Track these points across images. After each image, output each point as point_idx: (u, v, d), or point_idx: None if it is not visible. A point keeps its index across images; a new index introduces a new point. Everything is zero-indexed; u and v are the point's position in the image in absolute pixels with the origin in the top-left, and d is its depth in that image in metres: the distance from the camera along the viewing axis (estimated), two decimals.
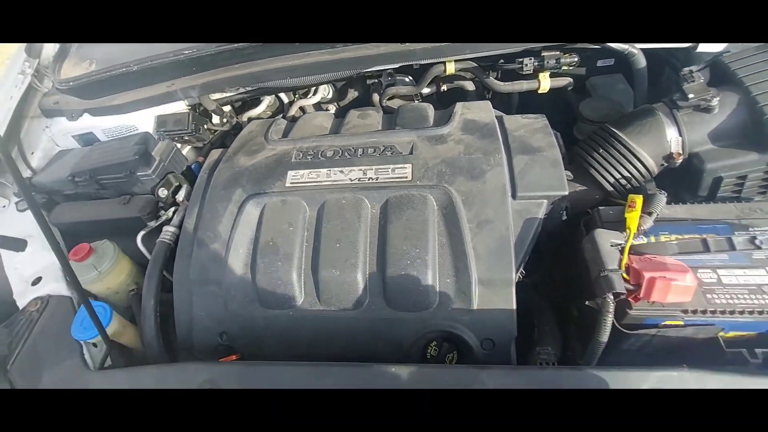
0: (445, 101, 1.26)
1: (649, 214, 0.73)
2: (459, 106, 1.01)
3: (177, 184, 1.06)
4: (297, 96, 1.40)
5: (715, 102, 0.77)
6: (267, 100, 1.34)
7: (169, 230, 0.96)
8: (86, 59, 1.15)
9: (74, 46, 1.17)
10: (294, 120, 1.14)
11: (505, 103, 1.22)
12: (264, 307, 0.82)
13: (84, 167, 1.03)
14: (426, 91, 1.27)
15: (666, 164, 0.83)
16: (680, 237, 0.72)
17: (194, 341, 0.86)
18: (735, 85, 0.81)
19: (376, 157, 0.91)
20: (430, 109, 1.05)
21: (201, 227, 0.90)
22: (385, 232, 0.80)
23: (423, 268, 0.75)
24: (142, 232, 0.98)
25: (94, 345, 0.87)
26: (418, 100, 1.29)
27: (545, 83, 0.99)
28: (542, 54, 0.99)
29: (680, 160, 0.80)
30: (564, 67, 0.99)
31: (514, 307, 0.73)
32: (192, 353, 0.85)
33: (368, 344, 0.78)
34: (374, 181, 0.87)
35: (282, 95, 1.38)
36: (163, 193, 1.01)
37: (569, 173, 0.88)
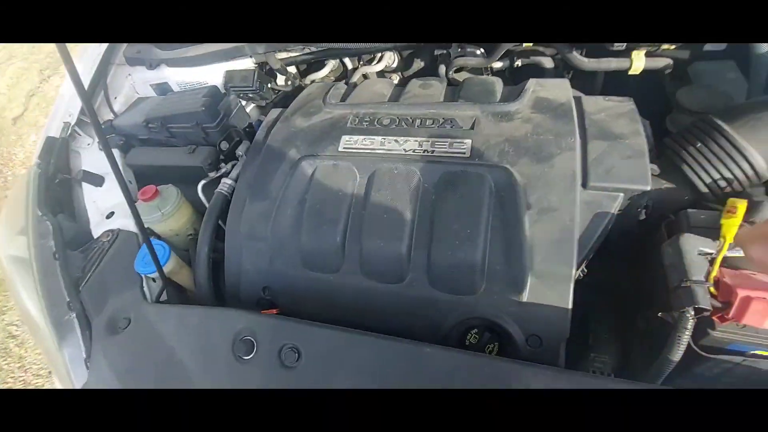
0: (518, 78, 1.16)
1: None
2: (532, 83, 0.92)
3: (238, 139, 1.09)
4: (361, 62, 1.36)
5: None
6: (331, 64, 1.32)
7: (226, 182, 1.00)
8: None
9: None
10: (355, 86, 1.11)
11: (588, 85, 1.10)
12: (306, 268, 0.82)
13: (157, 115, 1.09)
14: (498, 65, 1.18)
15: None
16: None
17: (240, 291, 0.89)
18: None
19: (434, 129, 0.86)
20: (498, 84, 0.97)
21: (254, 184, 0.92)
22: (436, 207, 0.76)
23: (472, 251, 0.71)
24: (202, 182, 1.03)
25: (153, 280, 0.94)
26: (488, 74, 1.20)
27: (639, 62, 0.86)
28: None
29: None
30: (665, 45, 0.85)
31: (570, 306, 0.66)
32: (239, 301, 0.89)
33: (405, 321, 0.76)
34: (429, 153, 0.83)
35: (346, 60, 1.36)
36: (224, 146, 1.05)
37: (655, 167, 0.77)
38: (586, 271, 0.73)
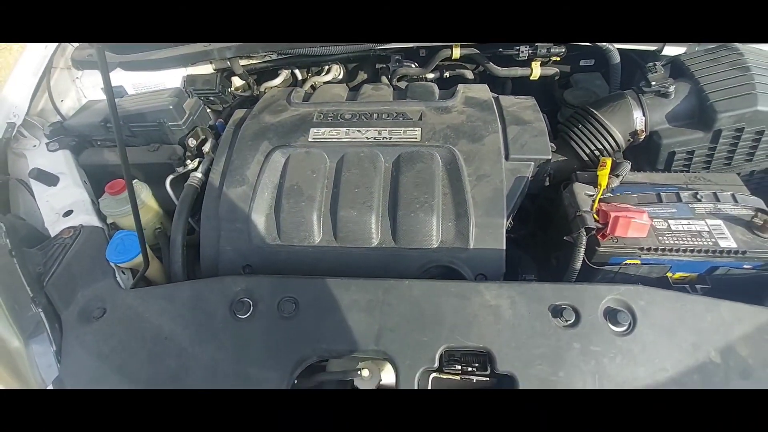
0: (445, 86, 1.41)
1: (616, 176, 0.89)
2: (461, 87, 1.16)
3: (204, 136, 1.16)
4: (310, 74, 1.51)
5: (672, 89, 0.94)
6: (284, 74, 1.45)
7: (196, 176, 1.06)
8: None
9: None
10: (312, 92, 1.26)
11: (499, 89, 1.38)
12: (286, 242, 0.92)
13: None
14: (431, 75, 1.42)
15: (632, 140, 1.00)
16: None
17: (219, 273, 0.95)
18: (688, 78, 0.99)
19: (389, 121, 1.04)
20: (435, 87, 1.20)
21: (229, 172, 1.00)
22: (397, 180, 0.93)
23: (429, 212, 0.88)
24: (171, 176, 1.07)
25: (123, 272, 0.95)
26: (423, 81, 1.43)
27: (537, 71, 1.16)
28: (536, 44, 1.15)
29: (643, 137, 0.97)
30: (553, 57, 1.16)
31: (504, 247, 0.87)
32: None
33: (377, 276, 0.89)
34: (388, 140, 1.00)
35: (296, 71, 1.50)
36: (192, 143, 1.11)
37: (553, 145, 1.04)
38: (512, 223, 0.95)
